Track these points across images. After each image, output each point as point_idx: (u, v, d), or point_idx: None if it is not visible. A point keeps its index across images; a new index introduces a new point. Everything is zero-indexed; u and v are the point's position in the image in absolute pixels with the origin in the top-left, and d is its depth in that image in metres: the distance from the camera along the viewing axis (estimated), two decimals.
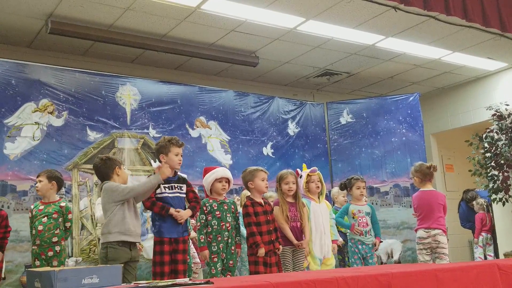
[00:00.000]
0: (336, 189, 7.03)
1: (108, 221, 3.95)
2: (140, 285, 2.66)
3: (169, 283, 2.61)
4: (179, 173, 4.52)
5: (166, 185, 4.28)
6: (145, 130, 6.73)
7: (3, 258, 4.96)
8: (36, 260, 4.84)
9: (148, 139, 6.67)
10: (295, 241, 4.82)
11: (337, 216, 5.71)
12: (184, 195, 4.40)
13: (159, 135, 6.72)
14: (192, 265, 5.45)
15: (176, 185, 4.35)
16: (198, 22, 6.17)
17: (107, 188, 4.01)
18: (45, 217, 4.90)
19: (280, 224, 4.82)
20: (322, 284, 2.75)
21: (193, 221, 5.48)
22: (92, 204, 6.07)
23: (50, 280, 2.30)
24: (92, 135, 6.36)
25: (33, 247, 4.89)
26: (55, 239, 4.85)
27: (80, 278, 2.34)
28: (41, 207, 4.97)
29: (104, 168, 4.14)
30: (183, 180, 4.44)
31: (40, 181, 5.01)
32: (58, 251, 4.86)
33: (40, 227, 4.87)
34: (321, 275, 2.98)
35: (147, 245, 6.20)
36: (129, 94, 6.71)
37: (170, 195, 4.29)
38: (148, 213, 6.35)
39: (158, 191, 4.26)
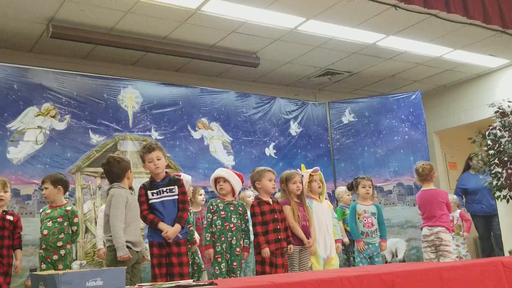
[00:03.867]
0: (340, 188, 7.03)
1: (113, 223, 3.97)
2: (143, 287, 2.67)
3: (173, 284, 2.62)
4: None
5: (154, 191, 4.30)
6: (148, 133, 6.73)
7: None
8: (43, 263, 4.86)
9: (151, 141, 6.67)
10: (306, 240, 4.83)
11: (350, 221, 5.74)
12: (176, 197, 4.32)
13: (161, 137, 6.73)
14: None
15: (165, 188, 4.32)
16: (199, 24, 6.18)
17: (114, 199, 4.01)
18: (50, 221, 4.90)
19: (291, 223, 4.82)
20: (326, 283, 2.75)
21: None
22: (96, 207, 6.08)
23: (54, 283, 2.30)
24: (95, 138, 6.37)
25: (40, 251, 4.92)
26: (59, 243, 4.85)
27: (84, 281, 2.34)
28: (48, 211, 4.98)
29: (117, 169, 4.15)
30: (174, 182, 4.37)
31: (46, 188, 4.97)
32: (63, 254, 4.86)
33: (45, 231, 4.88)
34: (325, 275, 2.98)
35: None
36: (131, 96, 6.71)
37: (157, 200, 4.29)
38: None
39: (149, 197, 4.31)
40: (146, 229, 4.65)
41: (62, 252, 4.86)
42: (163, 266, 4.21)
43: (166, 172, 4.43)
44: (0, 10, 5.56)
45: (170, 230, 4.21)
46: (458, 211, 7.54)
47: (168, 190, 4.32)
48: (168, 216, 4.26)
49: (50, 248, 4.84)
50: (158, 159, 4.32)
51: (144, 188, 4.33)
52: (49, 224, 4.89)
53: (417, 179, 5.55)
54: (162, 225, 4.22)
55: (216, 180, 4.92)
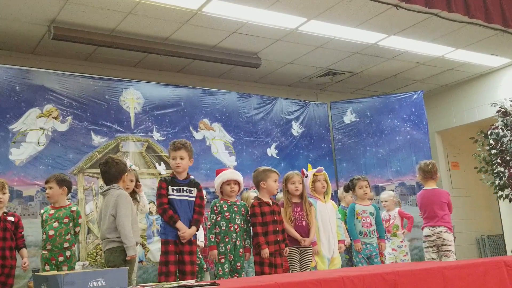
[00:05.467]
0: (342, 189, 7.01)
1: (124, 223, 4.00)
2: (146, 287, 2.67)
3: (175, 284, 2.62)
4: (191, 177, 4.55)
5: (175, 188, 4.35)
6: (149, 134, 6.74)
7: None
8: (46, 265, 4.77)
9: (152, 142, 6.69)
10: (299, 237, 4.83)
11: (349, 221, 5.72)
12: (193, 199, 4.41)
13: (163, 138, 6.74)
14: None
15: (185, 188, 4.39)
16: (200, 25, 6.18)
17: (122, 199, 4.03)
18: (56, 222, 4.84)
19: (283, 224, 4.82)
20: (328, 283, 2.75)
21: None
22: (98, 208, 6.08)
23: (56, 284, 2.30)
24: (97, 139, 6.38)
25: (43, 252, 4.81)
26: (66, 245, 4.82)
27: (86, 282, 2.34)
28: (52, 211, 4.88)
29: (115, 171, 4.14)
30: (194, 184, 4.46)
31: (50, 187, 4.89)
32: (68, 256, 4.83)
33: (51, 232, 4.80)
34: (327, 275, 2.97)
35: (153, 248, 6.22)
36: (132, 98, 6.73)
37: (176, 197, 4.33)
38: (154, 216, 6.37)
39: (169, 192, 4.33)
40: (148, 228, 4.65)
41: (68, 253, 4.82)
42: (175, 264, 4.22)
43: (187, 174, 4.48)
44: (2, 12, 5.58)
45: (188, 231, 4.26)
46: (397, 209, 6.85)
47: (188, 191, 4.39)
48: (182, 215, 4.30)
49: (55, 249, 4.79)
50: (181, 159, 4.40)
51: (165, 181, 4.36)
52: (55, 224, 4.82)
53: (420, 178, 5.49)
54: (180, 224, 4.25)
55: (226, 182, 4.87)
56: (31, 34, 6.12)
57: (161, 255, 4.29)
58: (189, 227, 4.31)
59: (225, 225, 4.69)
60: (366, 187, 5.75)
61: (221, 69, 7.65)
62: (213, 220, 4.73)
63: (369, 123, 8.44)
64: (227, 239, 4.66)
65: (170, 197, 4.31)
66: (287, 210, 4.89)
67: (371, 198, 6.56)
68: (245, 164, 7.30)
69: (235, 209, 4.78)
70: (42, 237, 4.88)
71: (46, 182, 4.96)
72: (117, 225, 3.95)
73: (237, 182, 4.87)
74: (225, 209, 4.75)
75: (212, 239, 4.68)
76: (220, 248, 4.65)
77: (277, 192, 5.20)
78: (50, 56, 6.71)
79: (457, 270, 3.40)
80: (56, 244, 4.78)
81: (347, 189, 6.06)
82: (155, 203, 4.34)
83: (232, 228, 4.69)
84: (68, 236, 4.84)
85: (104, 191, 4.18)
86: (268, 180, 4.80)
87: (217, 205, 4.78)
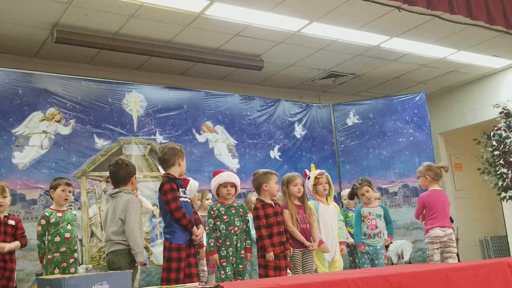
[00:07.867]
0: (346, 191, 7.00)
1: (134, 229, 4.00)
2: None
3: (179, 287, 2.62)
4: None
5: (181, 189, 4.28)
6: (152, 136, 6.74)
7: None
8: (56, 268, 4.74)
9: (155, 145, 6.68)
10: (307, 243, 4.81)
11: (355, 226, 5.72)
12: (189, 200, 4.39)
13: (166, 141, 6.73)
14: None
15: (185, 189, 4.36)
16: (203, 28, 6.19)
17: (131, 204, 4.04)
18: (69, 224, 4.87)
19: (289, 227, 4.80)
20: (332, 285, 2.75)
21: None
22: (101, 211, 6.09)
23: (60, 287, 2.31)
24: (100, 142, 6.38)
25: (55, 255, 4.77)
26: (76, 247, 4.88)
27: (90, 285, 2.35)
28: (59, 214, 4.89)
29: (124, 172, 4.15)
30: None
31: (70, 191, 4.99)
32: (76, 257, 4.88)
33: (67, 234, 4.80)
34: (330, 277, 2.97)
35: (157, 251, 6.21)
36: (135, 100, 6.73)
37: (184, 199, 4.25)
38: (157, 219, 6.36)
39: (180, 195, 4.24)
40: (151, 231, 4.62)
41: (76, 255, 4.87)
42: (183, 271, 4.14)
43: None
44: (5, 15, 5.60)
45: (200, 232, 4.24)
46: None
47: (186, 192, 4.36)
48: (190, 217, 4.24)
49: (68, 251, 4.79)
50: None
51: (175, 183, 4.22)
52: (69, 227, 4.85)
53: (430, 179, 5.37)
54: (195, 227, 4.20)
55: (223, 184, 4.85)
56: (33, 37, 6.13)
57: (172, 261, 4.11)
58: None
59: (224, 228, 4.67)
60: (367, 191, 5.71)
61: (224, 72, 7.65)
62: (211, 225, 4.69)
63: (372, 125, 8.43)
64: (228, 243, 4.65)
65: (180, 199, 4.20)
66: (292, 212, 4.86)
67: (379, 198, 6.56)
68: (248, 167, 7.29)
69: (233, 211, 4.77)
70: (54, 240, 4.81)
71: (69, 185, 4.98)
72: (126, 230, 3.96)
73: (233, 185, 4.84)
74: (223, 212, 4.72)
75: (212, 244, 4.65)
76: (221, 252, 4.64)
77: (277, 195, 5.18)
78: (53, 60, 6.73)
79: (461, 272, 3.40)
80: (71, 247, 4.82)
81: (351, 197, 6.04)
82: (170, 205, 4.13)
83: (232, 231, 4.68)
84: (77, 238, 4.89)
85: (113, 193, 4.17)
86: (270, 182, 4.79)
87: (214, 209, 4.75)
